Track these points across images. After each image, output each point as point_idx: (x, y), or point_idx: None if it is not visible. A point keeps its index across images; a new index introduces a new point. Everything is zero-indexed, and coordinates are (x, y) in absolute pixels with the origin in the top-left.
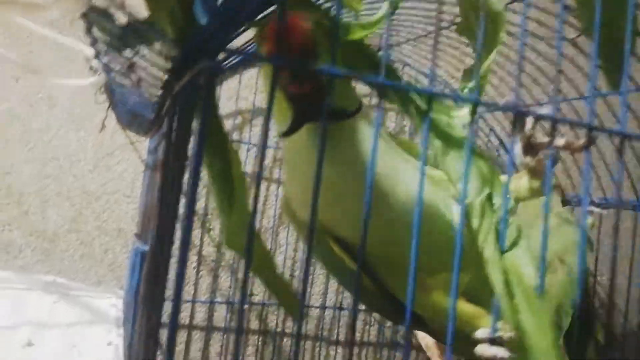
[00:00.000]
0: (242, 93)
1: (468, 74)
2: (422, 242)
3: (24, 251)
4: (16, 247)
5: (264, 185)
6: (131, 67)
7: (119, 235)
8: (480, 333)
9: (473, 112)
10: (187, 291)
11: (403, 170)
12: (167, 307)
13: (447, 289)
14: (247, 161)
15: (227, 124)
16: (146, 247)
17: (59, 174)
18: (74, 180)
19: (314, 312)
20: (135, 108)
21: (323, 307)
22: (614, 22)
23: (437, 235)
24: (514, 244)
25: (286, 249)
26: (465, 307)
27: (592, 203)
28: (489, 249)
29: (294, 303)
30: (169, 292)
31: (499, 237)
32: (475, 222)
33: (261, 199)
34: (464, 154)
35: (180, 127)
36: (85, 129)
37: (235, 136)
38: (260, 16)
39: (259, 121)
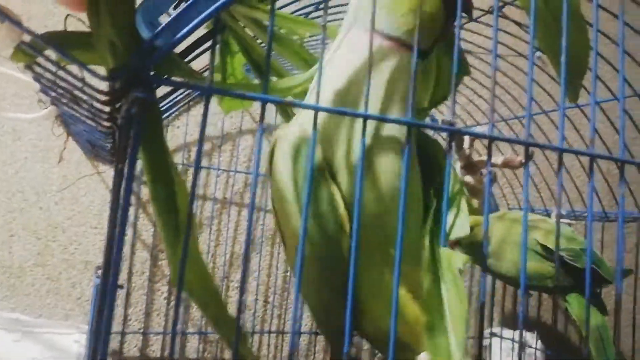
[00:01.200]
0: (211, 119)
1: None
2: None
3: None
4: None
5: (235, 211)
6: (74, 99)
7: (86, 269)
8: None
9: (408, 134)
10: (158, 322)
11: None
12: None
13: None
14: (217, 187)
15: (196, 151)
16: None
17: (24, 207)
18: (40, 213)
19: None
20: (90, 138)
21: (298, 333)
22: (570, 38)
23: None
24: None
25: (259, 275)
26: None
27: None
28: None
29: (244, 345)
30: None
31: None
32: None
33: (233, 225)
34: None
35: (125, 159)
36: (51, 161)
37: (204, 162)
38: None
39: (228, 146)
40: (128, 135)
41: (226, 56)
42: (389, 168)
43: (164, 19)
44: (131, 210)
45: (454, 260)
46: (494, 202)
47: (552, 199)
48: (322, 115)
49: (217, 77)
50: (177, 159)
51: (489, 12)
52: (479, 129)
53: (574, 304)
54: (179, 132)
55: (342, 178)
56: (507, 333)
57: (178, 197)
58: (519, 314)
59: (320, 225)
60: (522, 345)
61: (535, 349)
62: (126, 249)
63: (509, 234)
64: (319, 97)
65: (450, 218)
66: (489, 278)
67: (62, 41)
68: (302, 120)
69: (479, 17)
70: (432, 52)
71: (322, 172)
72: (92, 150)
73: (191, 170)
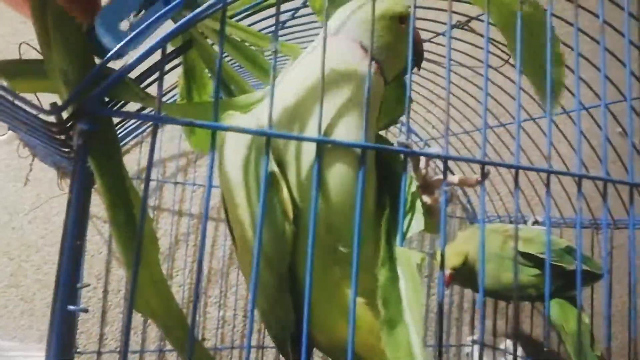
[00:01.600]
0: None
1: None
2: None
3: None
4: None
5: (212, 225)
6: (29, 128)
7: None
8: None
9: (362, 157)
10: (136, 341)
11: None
12: None
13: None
14: (192, 202)
15: (171, 166)
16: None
17: None
18: (12, 233)
19: (270, 353)
20: (54, 160)
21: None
22: (538, 51)
23: None
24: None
25: (237, 289)
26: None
27: (536, 222)
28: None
29: None
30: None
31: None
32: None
33: (210, 240)
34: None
35: (77, 186)
36: (23, 180)
37: (179, 178)
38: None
39: (204, 161)
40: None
41: (191, 77)
42: (340, 172)
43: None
44: (106, 227)
45: (411, 257)
46: (472, 212)
47: (528, 206)
48: (277, 110)
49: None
50: (152, 175)
51: (456, 26)
52: (433, 149)
53: (555, 309)
54: None
55: (291, 176)
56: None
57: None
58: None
59: (267, 225)
60: (481, 346)
61: (516, 355)
62: (101, 267)
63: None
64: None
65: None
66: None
67: (16, 70)
68: (259, 116)
69: (444, 32)
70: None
71: (272, 174)
72: (58, 171)
73: (166, 187)
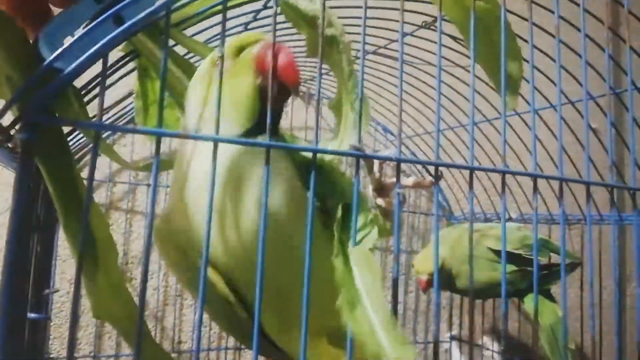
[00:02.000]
0: None
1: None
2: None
3: None
4: None
5: None
6: None
7: None
8: None
9: (314, 159)
10: (110, 345)
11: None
12: None
13: (315, 329)
14: (166, 204)
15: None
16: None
17: None
18: None
19: (248, 354)
20: (13, 165)
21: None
22: (496, 47)
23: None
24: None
25: None
26: (328, 350)
27: (510, 219)
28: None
29: None
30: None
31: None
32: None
33: None
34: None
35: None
36: None
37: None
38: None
39: None
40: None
41: (146, 81)
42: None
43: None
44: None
45: (365, 242)
46: (448, 209)
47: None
48: None
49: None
50: (124, 177)
51: (422, 26)
52: (387, 152)
53: (530, 303)
54: (126, 150)
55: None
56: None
57: (95, 228)
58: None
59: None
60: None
61: (493, 351)
62: (73, 273)
63: (456, 248)
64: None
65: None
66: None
67: None
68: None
69: (414, 32)
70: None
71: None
72: None
73: (139, 189)
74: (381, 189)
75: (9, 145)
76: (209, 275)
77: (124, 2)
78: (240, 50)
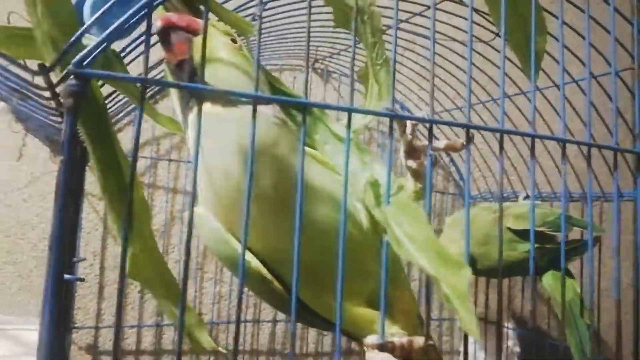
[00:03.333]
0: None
1: (364, 78)
2: (328, 247)
3: None
4: None
5: None
6: (21, 95)
7: None
8: (370, 340)
9: (349, 121)
10: (133, 316)
11: (313, 173)
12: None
13: (350, 294)
14: (187, 179)
15: (165, 143)
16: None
17: None
18: (8, 211)
19: (266, 327)
20: (47, 133)
21: (274, 321)
22: (526, 23)
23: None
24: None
25: None
26: (364, 312)
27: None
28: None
29: (204, 336)
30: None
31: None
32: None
33: None
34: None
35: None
36: (16, 158)
37: (173, 155)
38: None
39: None
40: (72, 127)
41: None
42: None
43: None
44: (101, 205)
45: (404, 191)
46: (464, 188)
47: (520, 182)
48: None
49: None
50: (146, 152)
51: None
52: (419, 114)
53: (549, 280)
54: (147, 125)
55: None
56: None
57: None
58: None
59: None
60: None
61: (507, 328)
62: (97, 244)
63: (474, 230)
64: None
65: None
66: None
67: (5, 35)
68: None
69: (439, 2)
70: None
71: None
72: (51, 146)
73: (160, 164)
74: (412, 151)
75: (53, 103)
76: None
77: None
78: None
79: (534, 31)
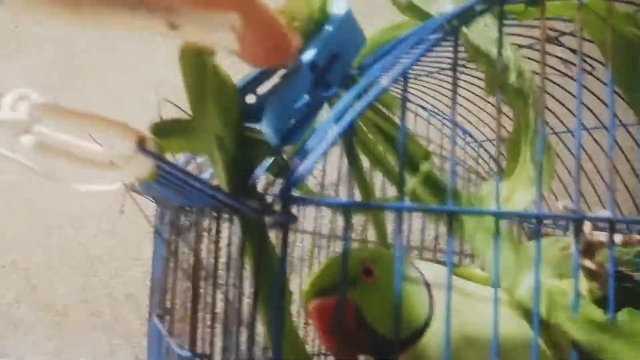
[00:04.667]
0: None
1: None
2: None
3: (35, 327)
4: (26, 323)
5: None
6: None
7: (129, 301)
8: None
9: (496, 226)
10: None
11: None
12: None
13: None
14: None
15: None
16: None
17: (63, 243)
18: (79, 248)
19: None
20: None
21: None
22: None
23: None
24: None
25: None
26: None
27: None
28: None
29: None
30: None
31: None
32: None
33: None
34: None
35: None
36: (87, 194)
37: None
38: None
39: None
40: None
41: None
42: None
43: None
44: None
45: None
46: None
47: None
48: None
49: None
50: None
51: (547, 40)
52: (602, 213)
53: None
54: None
55: None
56: None
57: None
58: None
59: None
60: None
61: None
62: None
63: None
64: None
65: None
66: None
67: (167, 130)
68: None
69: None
70: None
71: None
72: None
73: None
74: (588, 249)
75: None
76: None
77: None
78: None
79: None
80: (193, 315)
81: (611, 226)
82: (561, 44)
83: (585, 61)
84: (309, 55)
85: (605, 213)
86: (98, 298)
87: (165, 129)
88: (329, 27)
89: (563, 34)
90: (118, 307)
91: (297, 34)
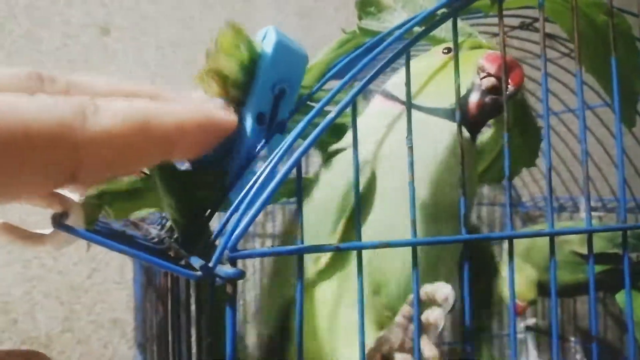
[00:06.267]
0: None
1: None
2: None
3: None
4: None
5: None
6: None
7: (115, 327)
8: None
9: (510, 249)
10: None
11: None
12: None
13: None
14: None
15: None
16: None
17: (43, 274)
18: (59, 277)
19: None
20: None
21: None
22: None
23: None
24: None
25: None
26: None
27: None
28: None
29: None
30: None
31: None
32: None
33: None
34: None
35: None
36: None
37: None
38: None
39: None
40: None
41: None
42: None
43: None
44: None
45: None
46: (515, 194)
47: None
48: None
49: None
50: None
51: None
52: None
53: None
54: None
55: None
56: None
57: None
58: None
59: None
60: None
61: (574, 342)
62: None
63: (533, 254)
64: None
65: None
66: None
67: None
68: None
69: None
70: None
71: None
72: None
73: None
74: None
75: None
76: None
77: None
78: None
79: None
80: (165, 347)
81: (589, 237)
82: (535, 29)
83: (564, 45)
84: (251, 108)
85: None
86: (83, 326)
87: (112, 195)
88: (263, 67)
89: (535, 20)
90: (104, 334)
91: (231, 94)
